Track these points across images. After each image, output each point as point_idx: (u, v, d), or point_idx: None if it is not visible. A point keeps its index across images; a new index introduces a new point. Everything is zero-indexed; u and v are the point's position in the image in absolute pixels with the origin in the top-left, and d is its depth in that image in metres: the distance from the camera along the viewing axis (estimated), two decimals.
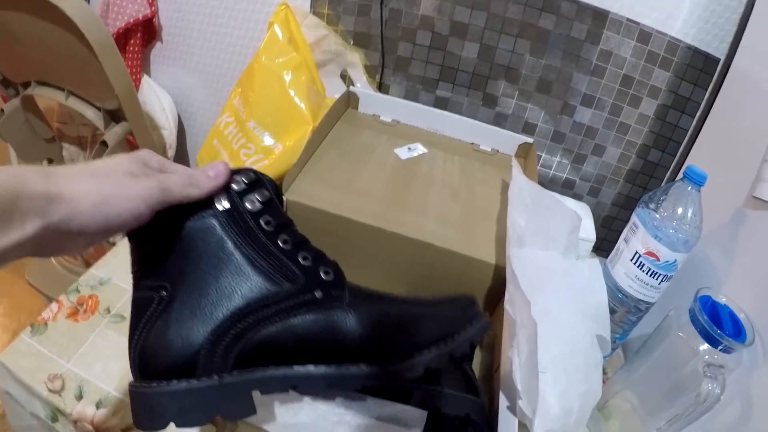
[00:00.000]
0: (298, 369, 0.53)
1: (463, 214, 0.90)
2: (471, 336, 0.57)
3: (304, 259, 0.55)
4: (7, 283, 1.98)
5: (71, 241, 0.44)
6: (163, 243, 0.51)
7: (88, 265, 1.05)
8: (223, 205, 0.53)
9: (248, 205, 0.54)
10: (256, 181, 0.56)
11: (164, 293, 0.50)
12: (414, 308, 0.59)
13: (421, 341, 0.55)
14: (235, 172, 0.55)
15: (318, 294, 0.54)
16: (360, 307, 0.55)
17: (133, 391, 0.49)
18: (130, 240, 0.52)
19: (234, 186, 0.54)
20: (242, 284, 0.51)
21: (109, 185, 0.44)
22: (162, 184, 0.47)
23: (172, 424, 0.48)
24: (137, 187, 0.46)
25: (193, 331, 0.49)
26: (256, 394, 0.51)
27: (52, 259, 1.81)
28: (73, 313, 0.82)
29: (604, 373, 0.87)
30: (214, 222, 0.52)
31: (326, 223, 0.82)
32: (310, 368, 0.53)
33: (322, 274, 0.55)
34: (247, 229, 0.53)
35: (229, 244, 0.52)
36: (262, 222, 0.54)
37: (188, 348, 0.49)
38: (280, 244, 0.54)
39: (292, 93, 1.20)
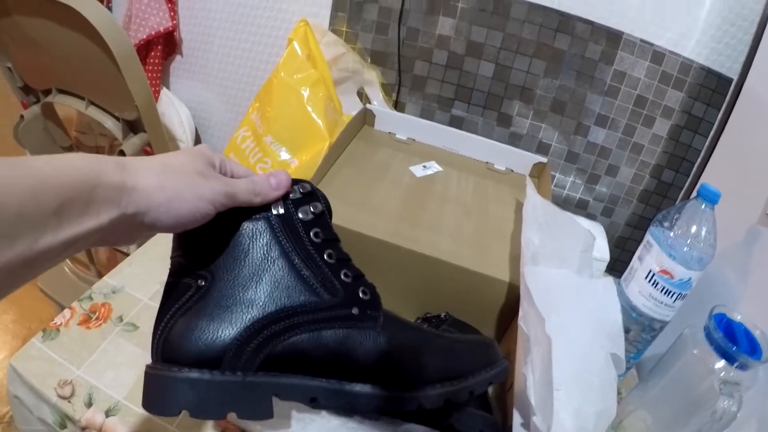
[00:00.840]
0: (323, 383, 0.53)
1: (477, 232, 0.91)
2: (491, 377, 0.59)
3: (346, 276, 0.56)
4: (20, 290, 1.99)
5: (139, 233, 0.46)
6: (211, 235, 0.51)
7: (100, 275, 1.04)
8: (278, 210, 0.54)
9: (301, 215, 0.55)
10: (312, 193, 0.56)
11: (203, 283, 0.50)
12: (443, 342, 0.60)
13: (447, 374, 0.57)
14: (293, 182, 0.55)
15: (355, 311, 0.54)
16: (392, 332, 0.56)
17: (152, 373, 0.49)
18: None
19: (290, 194, 0.55)
20: (283, 290, 0.52)
21: (182, 183, 0.45)
22: (230, 189, 0.49)
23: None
24: (207, 188, 0.47)
25: (226, 326, 0.49)
26: (275, 399, 0.52)
27: (65, 267, 1.82)
28: (86, 320, 0.82)
29: (618, 393, 0.85)
30: (266, 225, 0.53)
31: (343, 238, 0.82)
32: (335, 383, 0.53)
33: (360, 293, 0.56)
34: (296, 238, 0.54)
35: (277, 249, 0.53)
36: (312, 233, 0.55)
37: (217, 342, 0.49)
38: (326, 257, 0.55)
39: (309, 109, 1.21)
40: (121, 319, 0.82)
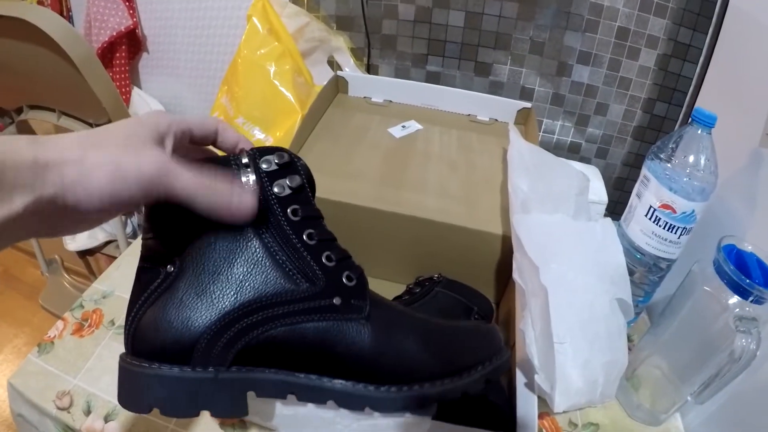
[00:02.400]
0: (301, 377, 0.49)
1: (464, 186, 0.87)
2: (489, 373, 0.53)
3: (328, 259, 0.50)
4: (28, 312, 2.00)
5: (71, 220, 0.39)
6: (180, 216, 0.45)
7: None
8: (249, 184, 0.48)
9: (276, 190, 0.49)
10: (290, 163, 0.50)
11: (172, 269, 0.46)
12: (436, 334, 0.55)
13: (438, 372, 0.51)
14: (266, 151, 0.50)
15: (337, 301, 0.49)
16: (378, 323, 0.51)
17: (123, 366, 0.46)
18: (146, 207, 0.48)
19: (263, 165, 0.48)
20: (257, 275, 0.47)
21: (103, 155, 0.38)
22: (163, 175, 0.41)
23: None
24: (132, 164, 0.39)
25: (197, 315, 0.45)
26: (250, 395, 0.48)
27: (64, 282, 1.82)
28: (78, 329, 0.82)
29: (630, 339, 0.83)
30: None
31: (324, 210, 0.80)
32: (315, 380, 0.49)
33: (344, 279, 0.50)
34: (271, 216, 0.48)
35: (249, 229, 0.48)
36: (288, 211, 0.49)
37: (188, 333, 0.45)
38: (305, 238, 0.49)
39: (277, 83, 1.18)
40: (113, 322, 0.83)
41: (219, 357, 0.46)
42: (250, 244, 0.47)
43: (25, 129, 1.40)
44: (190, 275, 0.46)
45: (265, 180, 0.48)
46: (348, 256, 0.53)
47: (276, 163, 0.49)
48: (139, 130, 0.42)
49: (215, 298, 0.46)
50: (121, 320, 0.82)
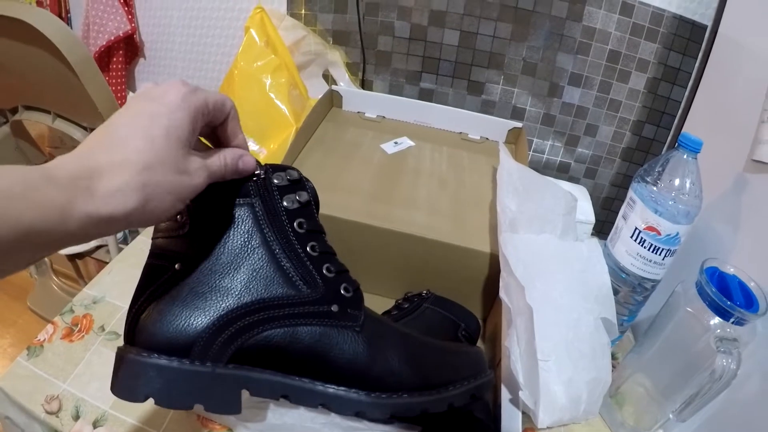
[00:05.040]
0: (296, 380, 0.51)
1: (454, 203, 0.88)
2: (474, 389, 0.56)
3: (328, 270, 0.53)
4: (14, 313, 1.97)
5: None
6: (192, 216, 0.49)
7: None
8: (262, 196, 0.51)
9: (286, 203, 0.52)
10: (299, 181, 0.54)
11: (179, 266, 0.48)
12: (425, 349, 0.58)
13: (426, 383, 0.54)
14: (279, 168, 0.53)
15: (334, 308, 0.52)
16: (372, 333, 0.54)
17: (121, 356, 0.47)
18: None
19: (276, 180, 0.52)
20: (260, 280, 0.50)
21: (159, 193, 0.40)
22: (209, 171, 0.45)
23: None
24: (187, 189, 0.43)
25: (198, 313, 0.47)
26: (244, 394, 0.49)
27: (53, 285, 1.81)
28: (68, 334, 0.81)
29: (614, 357, 0.83)
30: (249, 212, 0.50)
31: None
32: (308, 383, 0.51)
33: (342, 290, 0.54)
34: (279, 227, 0.51)
35: (258, 237, 0.50)
36: (295, 223, 0.52)
37: (188, 329, 0.46)
38: (309, 249, 0.52)
39: (272, 96, 1.19)
40: (103, 328, 0.82)
41: (217, 353, 0.47)
42: (257, 250, 0.50)
43: (19, 129, 1.39)
44: (197, 274, 0.48)
45: (276, 194, 0.51)
46: (346, 270, 0.55)
47: (287, 179, 0.52)
48: (173, 141, 0.42)
49: (219, 297, 0.48)
50: (111, 326, 0.82)
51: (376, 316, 0.57)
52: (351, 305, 0.54)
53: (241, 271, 0.49)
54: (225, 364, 0.48)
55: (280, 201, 0.52)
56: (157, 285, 0.48)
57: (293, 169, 0.54)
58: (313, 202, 0.55)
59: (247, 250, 0.50)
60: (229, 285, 0.48)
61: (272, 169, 0.52)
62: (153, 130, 0.41)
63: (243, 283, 0.49)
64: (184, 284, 0.48)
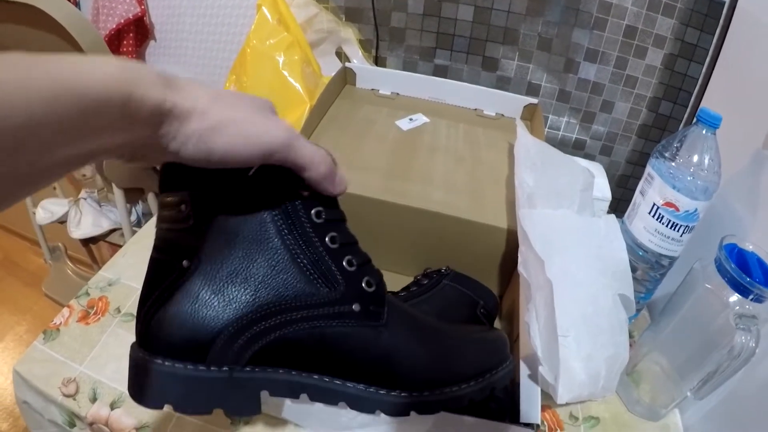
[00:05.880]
0: (315, 378, 0.49)
1: (470, 179, 0.88)
2: (495, 382, 0.55)
3: (349, 263, 0.49)
4: (30, 300, 1.99)
5: (159, 157, 0.40)
6: (195, 207, 0.45)
7: None
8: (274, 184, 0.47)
9: (302, 191, 0.47)
10: None
11: (186, 263, 0.45)
12: (448, 342, 0.56)
13: (447, 380, 0.53)
14: None
15: (356, 307, 0.49)
16: (394, 331, 0.51)
17: (138, 363, 0.45)
18: (163, 191, 0.47)
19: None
20: (276, 276, 0.46)
21: (232, 114, 0.39)
22: (294, 141, 0.42)
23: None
24: (263, 128, 0.40)
25: (213, 315, 0.44)
26: (264, 394, 0.48)
27: (67, 270, 1.82)
28: (84, 317, 0.82)
29: (630, 336, 0.83)
30: (263, 201, 0.47)
31: None
32: (327, 380, 0.49)
33: (364, 285, 0.50)
34: (294, 217, 0.47)
35: (272, 228, 0.46)
36: (312, 212, 0.48)
37: (204, 332, 0.44)
38: (327, 241, 0.48)
39: (285, 74, 1.18)
40: (119, 310, 0.83)
41: (234, 357, 0.45)
42: (270, 244, 0.46)
43: None
44: (206, 273, 0.45)
45: (291, 180, 0.47)
46: (368, 260, 0.52)
47: None
48: (266, 104, 0.44)
49: (233, 298, 0.45)
50: (127, 308, 0.83)
51: (400, 306, 0.54)
52: (373, 301, 0.50)
53: (254, 269, 0.46)
54: (242, 366, 0.46)
55: (295, 189, 0.47)
56: (165, 287, 0.45)
57: None
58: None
59: (260, 243, 0.46)
60: (243, 285, 0.45)
61: None
62: (246, 95, 0.43)
63: (257, 283, 0.46)
64: (193, 284, 0.45)
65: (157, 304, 0.45)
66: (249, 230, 0.46)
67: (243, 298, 0.45)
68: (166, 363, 0.44)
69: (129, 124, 0.34)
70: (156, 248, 0.47)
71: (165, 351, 0.44)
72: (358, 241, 0.52)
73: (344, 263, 0.49)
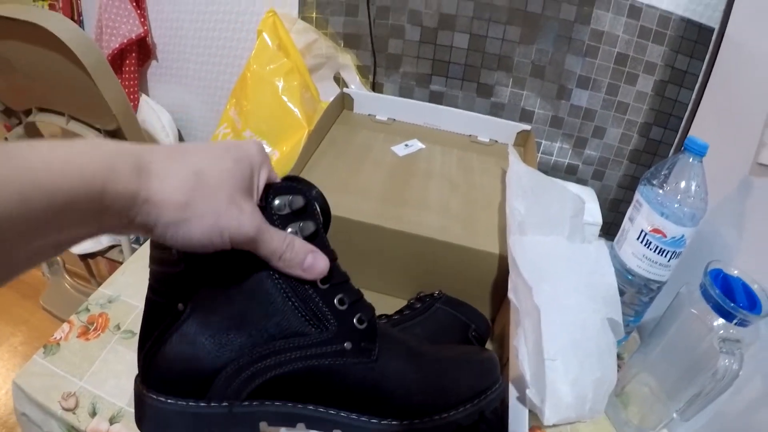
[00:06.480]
0: (310, 409, 0.51)
1: (464, 205, 0.89)
2: (484, 406, 0.56)
3: (341, 302, 0.50)
4: (27, 311, 1.99)
5: (138, 233, 0.39)
6: (185, 252, 0.44)
7: None
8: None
9: (290, 231, 0.48)
10: (303, 209, 0.49)
11: (181, 306, 0.46)
12: (438, 367, 0.57)
13: (437, 407, 0.54)
14: (282, 190, 0.48)
15: (347, 345, 0.50)
16: (385, 365, 0.52)
17: (144, 400, 0.47)
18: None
19: (278, 205, 0.47)
20: (269, 319, 0.47)
21: (208, 208, 0.39)
22: (258, 237, 0.43)
23: None
24: (234, 223, 0.41)
25: (211, 357, 0.46)
26: (263, 425, 0.50)
27: (65, 284, 1.83)
28: (84, 332, 0.82)
29: (620, 358, 0.85)
30: None
31: None
32: (321, 411, 0.51)
33: (355, 322, 0.51)
34: None
35: (263, 272, 0.47)
36: None
37: (202, 372, 0.46)
38: (318, 283, 0.49)
39: (285, 99, 1.21)
40: (118, 327, 0.84)
41: (233, 394, 0.47)
42: (262, 287, 0.47)
43: (32, 131, 1.40)
44: (201, 318, 0.46)
45: (278, 225, 0.47)
46: (360, 296, 0.53)
47: (290, 208, 0.48)
48: (244, 175, 0.43)
49: (228, 342, 0.46)
50: (127, 325, 0.83)
51: (391, 336, 0.55)
52: (365, 338, 0.51)
53: (248, 315, 0.47)
54: (241, 402, 0.48)
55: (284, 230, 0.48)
56: (162, 328, 0.47)
57: (299, 193, 0.49)
58: (322, 226, 0.51)
59: (252, 291, 0.47)
60: (237, 331, 0.47)
61: (272, 192, 0.47)
62: (220, 150, 0.43)
63: (251, 329, 0.47)
64: (189, 328, 0.46)
65: (157, 345, 0.47)
66: (240, 275, 0.47)
67: (238, 341, 0.47)
68: (169, 401, 0.46)
69: (103, 215, 0.34)
70: (151, 288, 0.48)
71: (168, 390, 0.47)
72: (349, 278, 0.53)
73: (335, 302, 0.50)
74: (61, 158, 0.31)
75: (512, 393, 0.63)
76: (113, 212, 0.34)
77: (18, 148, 0.30)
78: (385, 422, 0.52)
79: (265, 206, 0.46)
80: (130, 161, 0.35)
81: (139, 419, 0.48)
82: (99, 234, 0.36)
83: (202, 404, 0.47)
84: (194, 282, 0.46)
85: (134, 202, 0.35)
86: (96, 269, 1.76)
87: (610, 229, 1.14)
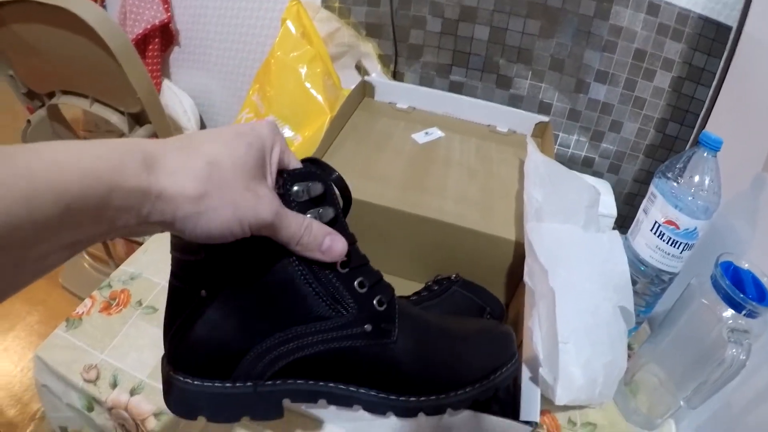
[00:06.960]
0: (331, 386, 0.53)
1: (482, 193, 0.91)
2: (500, 382, 0.58)
3: (360, 285, 0.51)
4: (43, 291, 1.99)
5: (157, 230, 0.39)
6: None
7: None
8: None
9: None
10: (323, 196, 0.49)
11: (204, 293, 0.47)
12: (456, 346, 0.58)
13: (454, 383, 0.56)
14: (299, 176, 0.47)
15: (368, 327, 0.51)
16: (405, 345, 0.53)
17: (172, 382, 0.49)
18: None
19: (297, 192, 0.47)
20: (291, 306, 0.49)
21: (224, 198, 0.38)
22: (276, 222, 0.43)
23: None
24: (251, 212, 0.40)
25: (235, 342, 0.48)
26: (286, 401, 0.52)
27: (84, 263, 1.85)
28: (106, 307, 0.84)
29: (630, 348, 0.86)
30: None
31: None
32: (342, 388, 0.53)
33: (375, 303, 0.52)
34: None
35: (283, 258, 0.47)
36: None
37: (227, 356, 0.48)
38: (338, 266, 0.50)
39: (308, 85, 1.22)
40: (140, 303, 0.85)
41: (257, 374, 0.49)
42: (283, 274, 0.48)
43: (55, 113, 1.41)
44: (224, 305, 0.47)
45: (296, 210, 0.47)
46: (380, 278, 0.54)
47: (308, 195, 0.47)
48: (257, 156, 0.42)
49: (251, 328, 0.48)
50: (149, 301, 0.85)
51: (410, 313, 0.56)
52: (385, 320, 0.52)
53: (269, 301, 0.48)
54: (265, 381, 0.50)
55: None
56: (187, 315, 0.48)
57: (318, 179, 0.48)
58: (342, 209, 0.52)
59: (272, 278, 0.48)
60: (259, 317, 0.48)
61: (290, 178, 0.47)
62: (231, 136, 0.42)
63: (273, 315, 0.48)
64: (213, 314, 0.47)
65: (182, 329, 0.48)
66: (260, 262, 0.47)
67: (260, 327, 0.49)
68: (196, 382, 0.49)
69: (114, 214, 0.33)
70: (173, 274, 0.49)
71: (194, 371, 0.49)
72: (368, 261, 0.53)
73: (356, 285, 0.51)
74: (65, 158, 0.31)
75: (525, 373, 0.64)
76: (125, 210, 0.33)
77: (23, 150, 0.29)
78: (403, 398, 0.54)
79: (283, 193, 0.46)
80: (138, 158, 0.34)
81: (168, 399, 0.50)
82: (113, 235, 0.35)
83: (228, 384, 0.49)
84: (215, 269, 0.47)
85: (146, 198, 0.34)
86: (114, 250, 1.78)
87: (624, 222, 1.15)
